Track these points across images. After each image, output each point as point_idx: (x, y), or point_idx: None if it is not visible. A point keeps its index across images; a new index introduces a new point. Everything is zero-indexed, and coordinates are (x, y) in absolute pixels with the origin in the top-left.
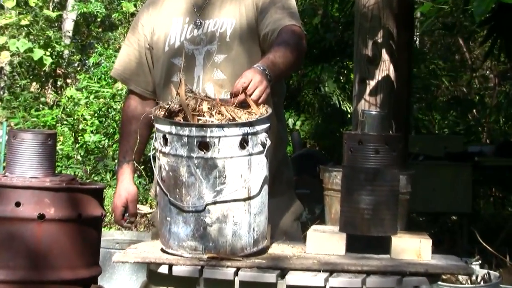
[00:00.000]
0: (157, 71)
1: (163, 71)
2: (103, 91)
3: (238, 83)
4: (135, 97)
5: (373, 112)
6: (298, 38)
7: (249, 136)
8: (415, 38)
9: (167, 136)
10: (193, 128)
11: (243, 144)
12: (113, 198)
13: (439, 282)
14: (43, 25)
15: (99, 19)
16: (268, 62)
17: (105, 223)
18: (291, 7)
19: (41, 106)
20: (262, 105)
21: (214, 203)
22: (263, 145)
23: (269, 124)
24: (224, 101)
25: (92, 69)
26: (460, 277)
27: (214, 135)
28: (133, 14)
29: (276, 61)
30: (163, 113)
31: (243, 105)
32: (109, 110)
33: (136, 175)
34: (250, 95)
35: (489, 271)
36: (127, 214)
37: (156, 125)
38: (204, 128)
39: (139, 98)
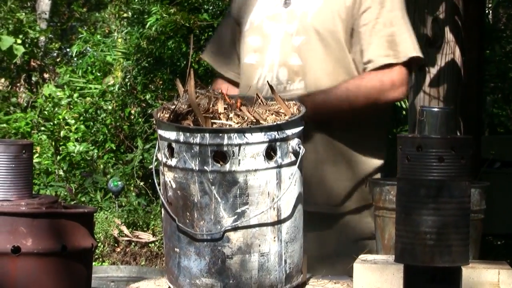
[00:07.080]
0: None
1: (240, 52)
2: (90, 88)
3: None
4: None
5: (435, 109)
6: (377, 93)
7: (278, 143)
8: (487, 12)
9: (173, 145)
10: (206, 134)
11: (270, 153)
12: None
13: None
14: (12, 6)
15: None
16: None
17: (97, 256)
18: (394, 28)
19: (11, 108)
20: (293, 102)
21: (235, 229)
22: (296, 153)
23: (302, 127)
24: (246, 99)
25: (76, 60)
26: None
27: (233, 143)
28: None
29: (326, 105)
30: (167, 115)
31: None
32: (98, 112)
33: (134, 193)
34: None
35: None
36: None
37: (159, 132)
38: (220, 134)
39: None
